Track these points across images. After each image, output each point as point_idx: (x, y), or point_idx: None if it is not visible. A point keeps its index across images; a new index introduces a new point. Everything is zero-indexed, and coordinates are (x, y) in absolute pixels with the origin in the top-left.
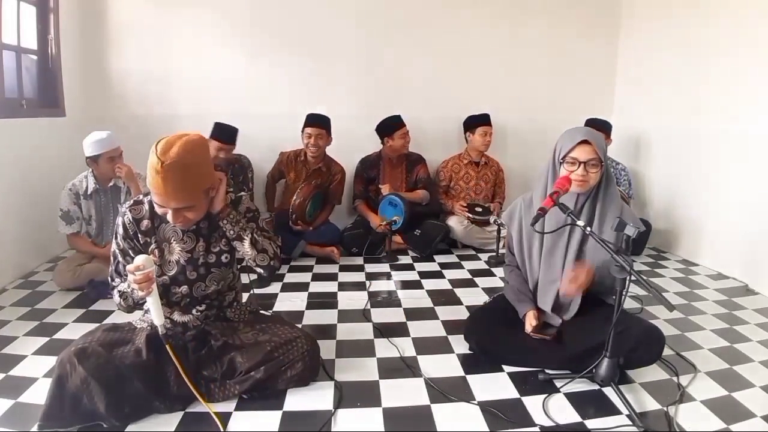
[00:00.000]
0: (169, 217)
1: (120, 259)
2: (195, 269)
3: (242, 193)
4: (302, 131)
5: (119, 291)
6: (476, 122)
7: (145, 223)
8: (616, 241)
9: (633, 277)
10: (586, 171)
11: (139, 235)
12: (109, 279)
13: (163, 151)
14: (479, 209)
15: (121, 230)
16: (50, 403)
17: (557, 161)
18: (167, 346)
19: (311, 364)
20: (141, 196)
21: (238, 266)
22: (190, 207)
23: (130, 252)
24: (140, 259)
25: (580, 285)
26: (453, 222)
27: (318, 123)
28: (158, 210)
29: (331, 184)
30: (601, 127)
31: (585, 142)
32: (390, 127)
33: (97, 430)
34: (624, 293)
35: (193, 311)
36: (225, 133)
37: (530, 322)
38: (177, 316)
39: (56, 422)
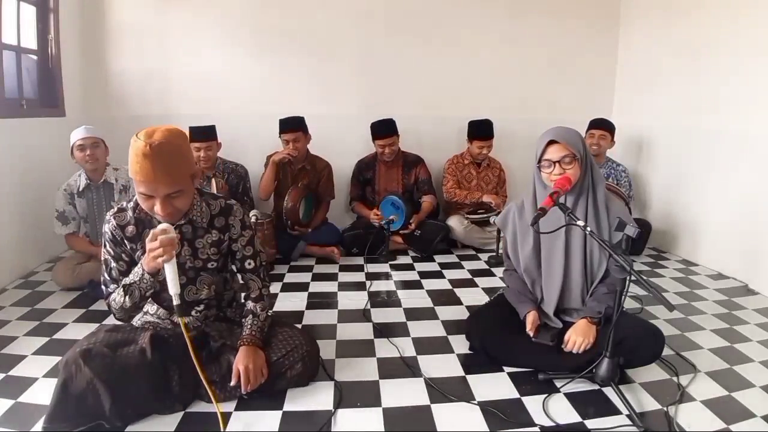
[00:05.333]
0: (157, 208)
1: (113, 264)
2: (183, 273)
3: (232, 201)
4: (279, 137)
5: (124, 285)
6: (474, 135)
7: (130, 229)
8: (617, 241)
9: (633, 277)
10: (563, 169)
11: (125, 241)
12: (103, 287)
13: (147, 136)
14: (481, 210)
15: (108, 236)
16: (55, 404)
17: (536, 167)
18: (180, 320)
19: (311, 365)
20: (124, 203)
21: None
22: (179, 193)
23: (123, 256)
24: (164, 225)
25: (585, 341)
26: (453, 222)
27: (291, 128)
28: (144, 205)
29: (319, 182)
30: (605, 127)
31: (552, 142)
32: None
33: (99, 430)
34: (624, 293)
35: (193, 312)
36: (198, 133)
37: (531, 324)
38: (177, 318)
39: (61, 423)
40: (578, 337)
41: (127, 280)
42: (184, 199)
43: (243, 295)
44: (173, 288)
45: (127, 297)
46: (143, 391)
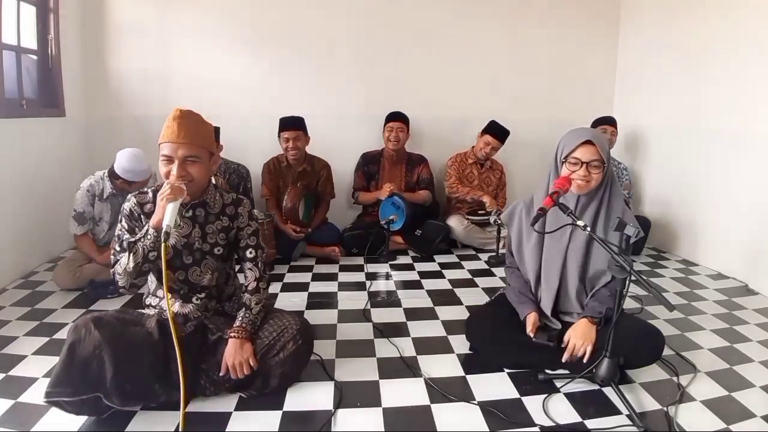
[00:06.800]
0: (174, 170)
1: (126, 236)
2: (191, 254)
3: (242, 196)
4: (278, 136)
5: (129, 243)
6: (489, 131)
7: (149, 206)
8: (618, 242)
9: (633, 277)
10: (588, 172)
11: (143, 218)
12: (112, 258)
13: (179, 109)
14: (481, 212)
15: (126, 212)
16: (60, 368)
17: (559, 161)
18: (163, 246)
19: (303, 344)
20: (146, 188)
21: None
22: (196, 159)
23: (136, 230)
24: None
25: (585, 344)
26: (453, 222)
27: (293, 126)
28: (163, 171)
29: (318, 182)
30: (608, 123)
31: (588, 142)
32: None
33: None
34: (624, 293)
35: (194, 299)
36: None
37: (531, 325)
38: (178, 307)
39: (65, 388)
40: (578, 340)
41: (133, 239)
42: (199, 168)
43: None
44: (167, 221)
45: (131, 255)
46: (145, 370)
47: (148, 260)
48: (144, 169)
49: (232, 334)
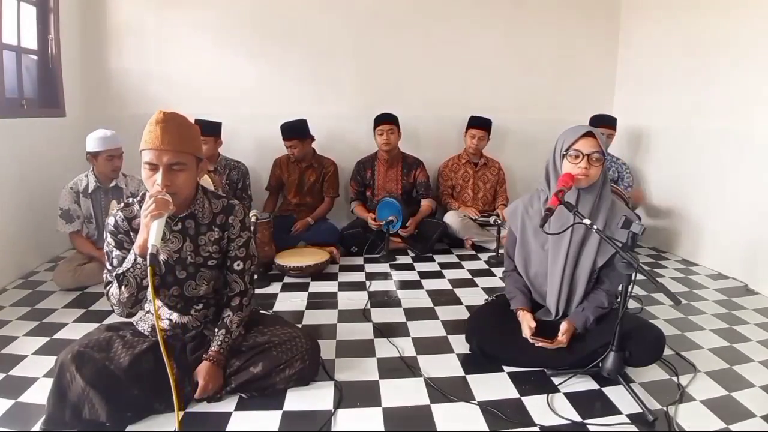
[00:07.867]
0: (159, 179)
1: (116, 252)
2: (184, 268)
3: (235, 201)
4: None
5: (117, 276)
6: (470, 125)
7: (137, 221)
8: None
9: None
10: (589, 164)
11: (131, 234)
12: (105, 276)
13: (162, 112)
14: (485, 214)
15: (112, 228)
16: (52, 409)
17: (559, 155)
18: (148, 269)
19: (311, 364)
20: (131, 199)
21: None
22: (181, 166)
23: (124, 244)
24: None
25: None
26: (450, 217)
27: (288, 136)
28: (148, 182)
29: (324, 178)
30: (607, 123)
31: (589, 134)
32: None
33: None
34: (630, 289)
35: (192, 311)
36: (205, 127)
37: (528, 325)
38: (176, 318)
39: (59, 426)
40: (566, 340)
41: (120, 270)
42: (185, 176)
43: (225, 298)
44: (153, 240)
45: (123, 287)
46: (141, 393)
47: (143, 288)
48: (114, 134)
49: (210, 359)
